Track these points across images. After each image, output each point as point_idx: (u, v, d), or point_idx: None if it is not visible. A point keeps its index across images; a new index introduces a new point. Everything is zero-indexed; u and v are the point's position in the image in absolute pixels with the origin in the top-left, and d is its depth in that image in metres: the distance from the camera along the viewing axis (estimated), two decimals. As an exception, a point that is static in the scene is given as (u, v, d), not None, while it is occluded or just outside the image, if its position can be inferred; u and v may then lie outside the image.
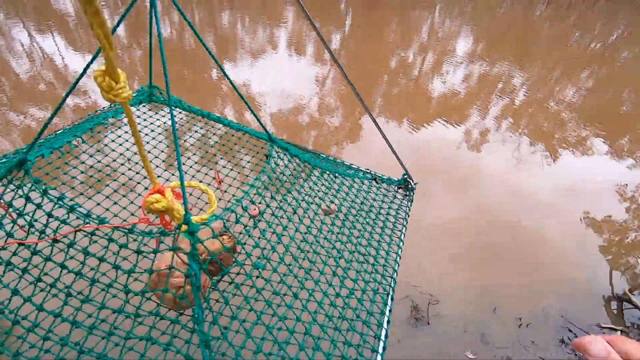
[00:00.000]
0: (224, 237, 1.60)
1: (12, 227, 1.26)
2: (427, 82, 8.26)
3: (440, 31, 12.62)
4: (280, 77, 7.63)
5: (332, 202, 1.96)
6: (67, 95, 1.08)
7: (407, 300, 3.31)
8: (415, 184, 2.27)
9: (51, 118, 1.11)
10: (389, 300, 1.54)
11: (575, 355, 3.03)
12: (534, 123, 6.98)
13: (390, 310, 1.50)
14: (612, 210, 4.89)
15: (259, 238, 1.45)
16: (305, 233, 1.61)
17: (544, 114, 7.36)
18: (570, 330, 3.23)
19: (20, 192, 1.29)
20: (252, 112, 1.65)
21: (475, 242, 4.06)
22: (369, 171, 2.37)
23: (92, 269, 1.23)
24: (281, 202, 1.72)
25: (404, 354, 2.93)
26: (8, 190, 1.29)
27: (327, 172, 2.15)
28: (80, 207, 1.29)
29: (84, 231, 1.22)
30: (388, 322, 1.45)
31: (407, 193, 2.27)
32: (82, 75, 1.08)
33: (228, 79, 1.52)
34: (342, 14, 13.53)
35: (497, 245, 4.05)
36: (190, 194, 1.27)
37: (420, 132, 6.21)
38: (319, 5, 13.79)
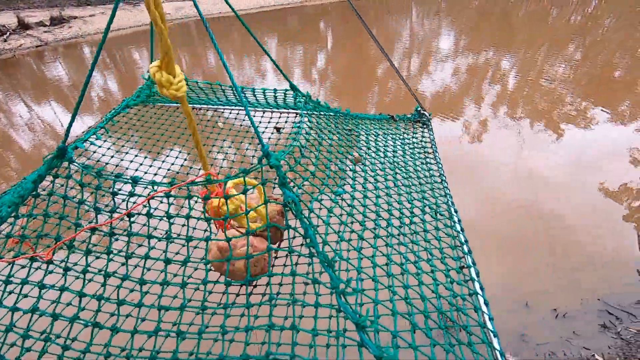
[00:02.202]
0: (279, 200, 1.50)
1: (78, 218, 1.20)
2: (417, 83, 8.26)
3: (421, 32, 12.73)
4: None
5: (359, 150, 2.12)
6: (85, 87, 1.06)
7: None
8: (430, 115, 2.47)
9: (75, 112, 1.08)
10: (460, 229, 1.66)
11: (622, 339, 2.86)
12: (530, 104, 6.90)
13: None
14: (628, 176, 4.74)
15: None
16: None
17: (539, 93, 7.28)
18: (610, 313, 3.07)
19: (70, 182, 1.23)
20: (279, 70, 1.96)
21: (491, 236, 3.93)
22: (386, 115, 2.58)
23: (178, 238, 1.25)
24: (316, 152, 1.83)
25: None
26: (58, 185, 1.23)
27: (351, 118, 2.38)
28: (140, 178, 1.22)
29: (159, 196, 1.16)
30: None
31: (425, 124, 2.46)
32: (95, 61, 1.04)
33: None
34: (322, 32, 13.74)
35: (514, 236, 3.92)
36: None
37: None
38: (297, 26, 14.04)
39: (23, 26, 13.43)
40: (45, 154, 5.75)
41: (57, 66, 11.20)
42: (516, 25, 12.57)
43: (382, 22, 14.27)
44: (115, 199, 1.22)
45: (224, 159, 2.29)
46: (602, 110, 6.45)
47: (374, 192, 1.73)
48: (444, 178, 1.96)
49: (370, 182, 1.79)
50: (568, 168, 5.03)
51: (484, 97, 7.34)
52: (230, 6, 1.68)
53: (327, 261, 0.97)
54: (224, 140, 2.40)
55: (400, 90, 8.16)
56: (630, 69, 8.15)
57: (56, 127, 7.40)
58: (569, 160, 5.18)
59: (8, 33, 12.90)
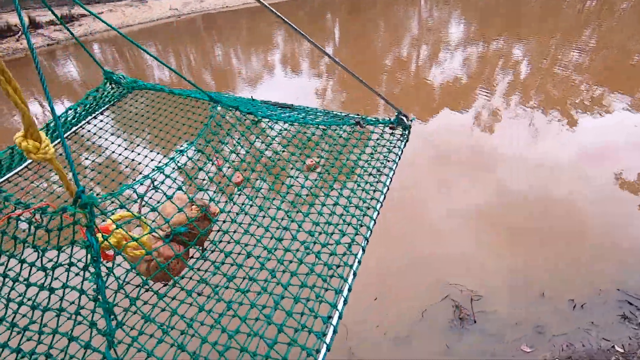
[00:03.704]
0: (192, 208, 1.55)
1: None
2: (427, 74, 8.13)
3: (430, 20, 12.52)
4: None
5: (310, 156, 1.93)
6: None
7: (448, 301, 3.14)
8: (411, 121, 2.07)
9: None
10: (368, 232, 1.47)
11: (642, 329, 2.78)
12: (544, 92, 6.73)
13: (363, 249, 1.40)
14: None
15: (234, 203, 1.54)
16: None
17: (552, 81, 7.10)
18: (630, 304, 2.98)
19: None
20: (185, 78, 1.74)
21: (507, 226, 3.85)
22: (354, 115, 2.19)
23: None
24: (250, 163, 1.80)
25: (458, 359, 2.76)
26: None
27: (297, 124, 2.09)
28: (12, 196, 1.31)
29: (12, 217, 1.25)
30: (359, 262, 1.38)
31: (402, 133, 2.05)
32: None
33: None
34: (329, 24, 13.62)
35: (530, 226, 3.84)
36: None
37: (428, 125, 6.06)
38: (306, 19, 13.93)
39: (34, 25, 13.59)
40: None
41: (68, 64, 11.32)
42: (528, 11, 12.27)
43: (390, 10, 14.07)
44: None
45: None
46: (618, 98, 6.27)
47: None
48: (381, 199, 1.65)
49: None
50: (584, 157, 4.89)
51: (496, 86, 7.19)
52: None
53: (108, 308, 0.98)
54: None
55: (409, 80, 8.04)
56: (648, 54, 7.89)
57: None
58: (585, 149, 5.04)
59: (20, 33, 13.06)
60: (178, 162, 1.54)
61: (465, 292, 3.18)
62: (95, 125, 2.47)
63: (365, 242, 1.43)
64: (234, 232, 1.56)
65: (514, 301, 3.10)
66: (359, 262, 1.35)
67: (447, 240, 3.74)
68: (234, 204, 1.65)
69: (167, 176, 1.43)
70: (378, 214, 1.56)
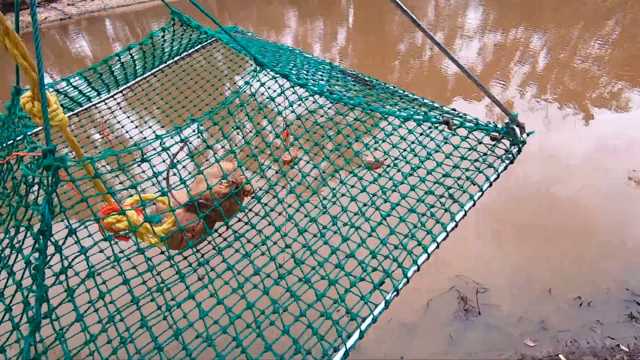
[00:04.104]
0: (224, 182, 1.44)
1: None
2: (441, 62, 7.96)
3: (447, 8, 12.20)
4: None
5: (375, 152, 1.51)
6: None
7: (453, 292, 3.14)
8: (528, 135, 1.47)
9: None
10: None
11: (649, 330, 2.76)
12: (561, 85, 6.56)
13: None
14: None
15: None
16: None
17: (570, 74, 6.91)
18: (638, 304, 2.96)
19: None
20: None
21: (516, 221, 3.82)
22: (444, 110, 1.65)
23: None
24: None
25: (462, 351, 2.77)
26: None
27: (361, 110, 1.63)
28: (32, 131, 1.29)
29: (19, 157, 1.19)
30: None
31: (508, 149, 1.46)
32: None
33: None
34: (343, 7, 13.34)
35: (539, 222, 3.79)
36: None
37: (440, 114, 5.97)
38: (318, 3, 13.67)
39: (47, -1, 13.52)
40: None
41: (79, 39, 11.28)
42: (548, 2, 11.89)
43: (407, -4, 13.72)
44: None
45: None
46: (639, 92, 6.09)
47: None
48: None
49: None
50: (598, 154, 4.79)
51: (510, 77, 7.03)
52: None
53: (38, 295, 0.88)
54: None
55: (423, 66, 7.89)
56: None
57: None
58: (600, 146, 4.93)
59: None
60: (182, 134, 1.38)
61: (471, 285, 3.18)
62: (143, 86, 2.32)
63: (394, 294, 1.04)
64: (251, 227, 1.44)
65: (520, 297, 3.09)
66: (374, 319, 1.01)
67: (452, 234, 3.72)
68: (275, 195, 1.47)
69: (165, 149, 1.24)
70: (427, 258, 1.13)
